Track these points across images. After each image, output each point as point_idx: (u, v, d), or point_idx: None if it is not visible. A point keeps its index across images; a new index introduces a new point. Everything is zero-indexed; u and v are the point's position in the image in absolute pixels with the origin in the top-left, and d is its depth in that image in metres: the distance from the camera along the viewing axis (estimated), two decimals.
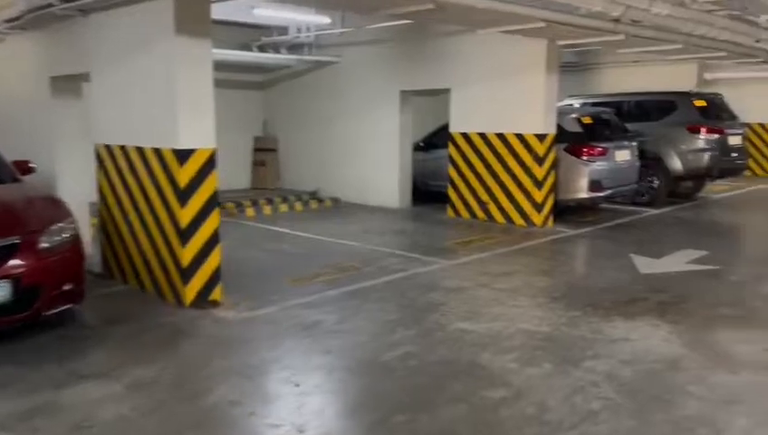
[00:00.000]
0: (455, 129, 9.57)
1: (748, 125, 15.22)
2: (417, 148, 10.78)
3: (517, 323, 4.93)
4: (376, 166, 10.57)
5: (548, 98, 8.65)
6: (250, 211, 9.96)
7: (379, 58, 10.47)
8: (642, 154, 10.14)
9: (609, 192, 9.23)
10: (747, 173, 15.20)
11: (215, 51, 5.27)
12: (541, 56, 8.55)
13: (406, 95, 10.25)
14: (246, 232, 8.61)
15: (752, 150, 15.44)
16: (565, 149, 9.02)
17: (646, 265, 6.70)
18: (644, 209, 10.26)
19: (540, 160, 8.64)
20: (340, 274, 6.34)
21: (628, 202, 10.37)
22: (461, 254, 7.29)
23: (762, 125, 15.54)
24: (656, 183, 10.65)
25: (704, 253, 7.17)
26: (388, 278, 6.22)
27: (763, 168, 15.60)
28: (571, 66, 14.01)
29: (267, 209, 10.21)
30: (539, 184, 8.70)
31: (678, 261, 6.87)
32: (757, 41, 8.52)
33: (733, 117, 11.25)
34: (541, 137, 8.61)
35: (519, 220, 8.92)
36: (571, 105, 11.16)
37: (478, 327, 4.82)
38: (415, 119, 10.67)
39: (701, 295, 5.63)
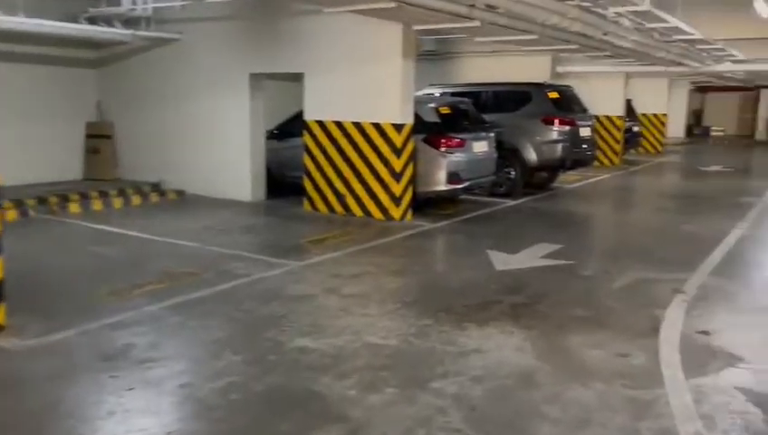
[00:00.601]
0: (309, 116, 8.91)
1: (596, 117, 15.98)
2: (270, 136, 10.00)
3: (364, 336, 4.40)
4: (225, 155, 9.67)
5: (405, 86, 8.23)
6: (75, 207, 8.68)
7: (226, 37, 9.53)
8: (500, 145, 10.10)
9: (467, 184, 9.03)
10: (596, 164, 15.95)
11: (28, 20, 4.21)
12: (397, 41, 8.09)
13: (257, 78, 9.42)
14: (64, 233, 7.43)
15: (599, 142, 16.22)
16: (423, 140, 8.67)
17: (502, 261, 6.47)
18: (502, 200, 10.23)
19: (397, 151, 8.22)
20: (169, 283, 5.49)
21: (487, 193, 10.29)
22: (313, 253, 6.68)
23: (608, 117, 16.35)
24: (513, 174, 10.68)
25: (558, 246, 7.09)
26: (226, 286, 5.47)
27: (609, 159, 16.45)
28: (432, 55, 13.82)
29: (98, 204, 8.98)
30: (397, 176, 8.29)
31: (534, 256, 6.72)
32: (605, 33, 8.64)
33: (583, 109, 11.56)
34: (398, 127, 8.18)
35: (377, 214, 8.46)
36: (431, 94, 10.90)
37: (320, 344, 4.23)
38: (271, 104, 9.90)
39: (555, 295, 5.44)
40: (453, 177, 8.84)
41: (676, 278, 5.91)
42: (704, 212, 9.78)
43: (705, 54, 13.26)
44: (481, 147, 9.43)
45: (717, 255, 6.85)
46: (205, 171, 9.89)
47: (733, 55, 14.01)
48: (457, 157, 8.85)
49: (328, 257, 6.50)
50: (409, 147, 8.33)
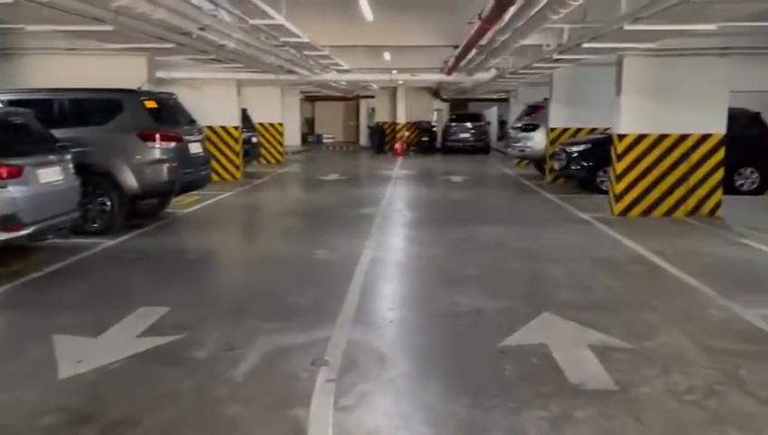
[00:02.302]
0: None
1: (211, 129, 14.44)
2: None
3: None
4: None
5: None
6: None
7: None
8: (87, 169, 7.67)
9: (34, 229, 6.41)
10: (216, 178, 14.44)
11: None
12: None
13: None
14: None
15: (217, 155, 14.76)
16: None
17: (74, 355, 4.24)
18: (97, 241, 7.81)
19: None
20: None
21: (73, 233, 7.69)
22: None
23: (224, 128, 14.99)
24: (109, 205, 8.31)
25: (164, 310, 5.17)
26: None
27: (230, 173, 15.11)
28: None
29: None
30: None
31: (128, 335, 4.66)
32: (202, 28, 7.00)
33: (191, 120, 9.79)
34: None
35: None
36: None
37: None
38: None
39: (149, 416, 3.50)
40: (7, 221, 6.13)
41: (315, 339, 4.57)
42: (331, 230, 9.00)
43: (312, 62, 12.86)
44: (51, 175, 6.85)
45: (355, 291, 5.83)
46: None
47: (338, 64, 14.01)
48: (12, 191, 6.17)
49: None
50: None
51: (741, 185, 12.35)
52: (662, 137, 9.82)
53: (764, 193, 12.37)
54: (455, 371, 4.07)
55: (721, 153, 9.80)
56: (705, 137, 9.77)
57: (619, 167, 9.98)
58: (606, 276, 6.33)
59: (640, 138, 9.87)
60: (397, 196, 13.03)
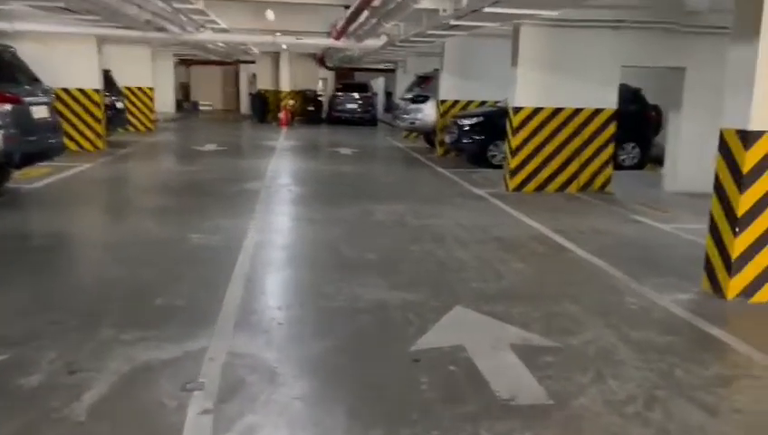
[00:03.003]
0: None
1: (66, 91, 12.68)
2: None
3: None
4: None
5: None
6: None
7: None
8: None
9: None
10: (76, 149, 12.75)
11: None
12: None
13: None
14: None
15: (75, 121, 13.00)
16: None
17: None
18: None
19: None
20: None
21: None
22: None
23: (82, 91, 13.18)
24: None
25: None
26: None
27: (91, 142, 13.37)
28: None
29: None
30: None
31: None
32: None
33: (34, 80, 8.25)
34: None
35: None
36: None
37: None
38: None
39: None
40: None
41: (187, 352, 3.69)
42: (209, 209, 7.94)
43: (185, 18, 11.47)
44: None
45: (238, 284, 4.96)
46: None
47: (215, 23, 12.68)
48: None
49: None
50: None
51: (623, 160, 12.60)
52: (557, 111, 9.63)
53: (644, 168, 12.72)
54: (362, 388, 3.37)
55: (612, 128, 9.78)
56: (597, 111, 9.69)
57: (515, 141, 9.68)
58: (514, 260, 5.89)
59: (536, 111, 9.61)
60: (283, 169, 12.08)
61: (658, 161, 11.56)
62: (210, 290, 4.79)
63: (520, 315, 4.40)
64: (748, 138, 4.55)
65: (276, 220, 7.59)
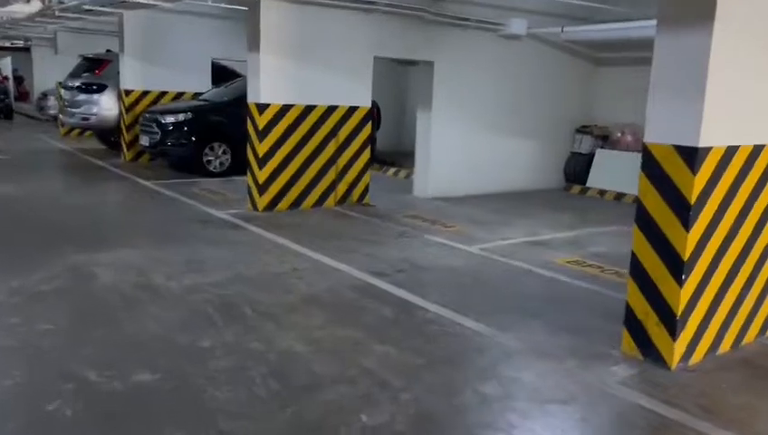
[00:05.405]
0: None
1: None
2: None
3: None
4: None
5: None
6: None
7: None
8: None
9: None
10: None
11: None
12: None
13: None
14: None
15: None
16: None
17: None
18: None
19: None
20: None
21: None
22: None
23: None
24: None
25: None
26: None
27: None
28: None
29: None
30: None
31: None
32: None
33: None
34: None
35: None
36: None
37: None
38: None
39: None
40: None
41: None
42: None
43: None
44: None
45: None
46: None
47: None
48: None
49: None
50: None
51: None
52: (308, 109, 7.86)
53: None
54: None
55: (368, 129, 8.43)
56: (351, 110, 8.22)
57: (261, 148, 7.59)
58: (387, 342, 3.97)
59: (285, 109, 7.68)
60: None
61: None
62: None
63: None
64: (695, 157, 3.47)
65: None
